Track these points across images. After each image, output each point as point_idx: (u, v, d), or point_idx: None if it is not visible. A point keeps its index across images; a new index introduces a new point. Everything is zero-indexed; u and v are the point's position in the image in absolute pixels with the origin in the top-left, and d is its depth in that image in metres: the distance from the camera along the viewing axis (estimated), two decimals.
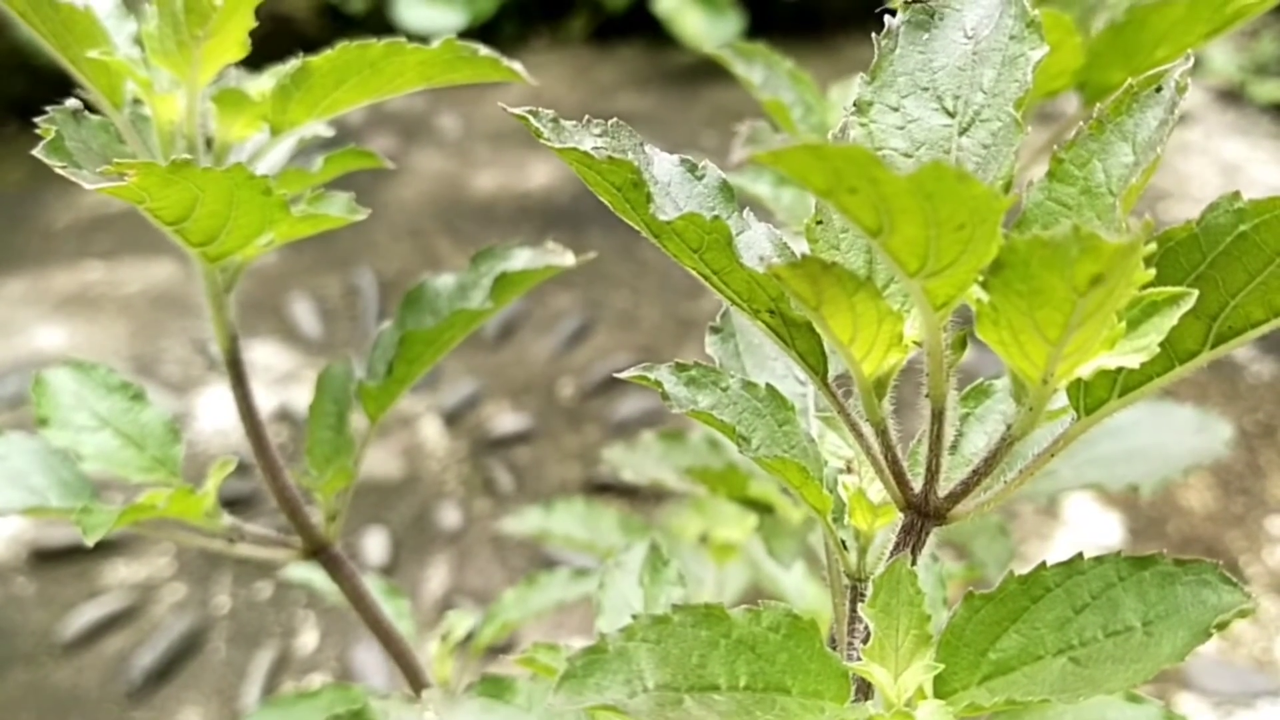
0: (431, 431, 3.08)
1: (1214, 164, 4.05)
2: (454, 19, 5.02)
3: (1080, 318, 0.47)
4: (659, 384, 0.65)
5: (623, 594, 0.89)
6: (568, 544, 1.63)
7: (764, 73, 1.18)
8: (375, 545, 2.70)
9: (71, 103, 0.80)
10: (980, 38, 0.62)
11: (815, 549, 1.20)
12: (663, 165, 0.63)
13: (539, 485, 2.90)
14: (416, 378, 0.98)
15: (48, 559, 2.65)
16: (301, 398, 3.13)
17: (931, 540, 0.82)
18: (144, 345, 3.36)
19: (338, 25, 4.93)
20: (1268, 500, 2.68)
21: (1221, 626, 0.55)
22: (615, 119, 0.62)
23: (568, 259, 0.96)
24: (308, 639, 2.49)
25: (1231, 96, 4.55)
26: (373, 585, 1.09)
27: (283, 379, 3.21)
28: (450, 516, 2.80)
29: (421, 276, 1.02)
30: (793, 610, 0.59)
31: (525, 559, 2.67)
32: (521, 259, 0.98)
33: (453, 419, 3.12)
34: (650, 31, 5.23)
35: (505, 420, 3.11)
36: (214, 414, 3.07)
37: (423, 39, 0.86)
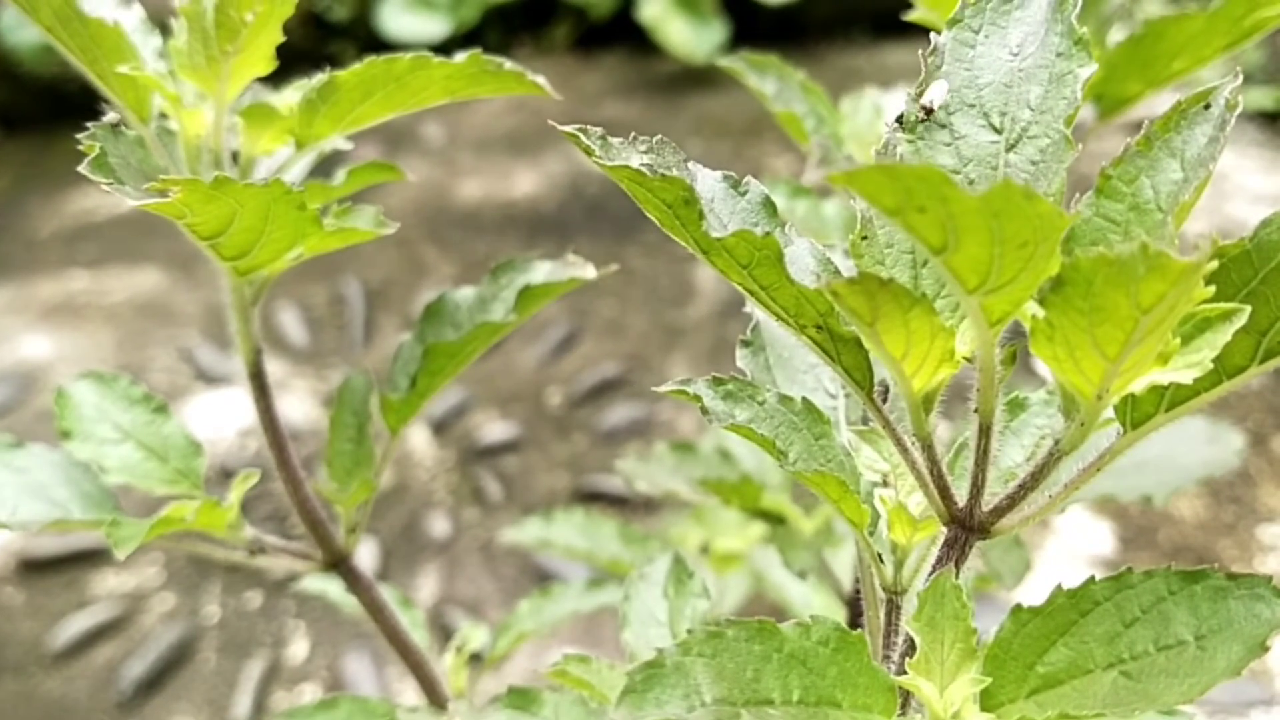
0: (419, 441, 3.08)
1: None
2: (437, 27, 5.01)
3: (1141, 335, 0.48)
4: (698, 398, 0.65)
5: (648, 606, 0.89)
6: (568, 554, 1.63)
7: (776, 84, 1.18)
8: (365, 555, 2.70)
9: (110, 117, 0.80)
10: (1026, 55, 0.63)
11: (826, 561, 1.21)
12: (706, 181, 0.64)
13: (527, 494, 2.90)
14: (438, 390, 0.99)
15: (36, 569, 2.64)
16: (289, 407, 3.12)
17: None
18: (130, 354, 3.35)
19: (322, 34, 4.92)
20: (1258, 509, 2.69)
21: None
22: (660, 136, 0.62)
23: (589, 271, 0.96)
24: (298, 648, 2.49)
25: None
26: (389, 596, 1.09)
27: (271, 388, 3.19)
28: (439, 526, 2.80)
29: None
30: (840, 624, 0.60)
31: (515, 568, 2.67)
32: (543, 271, 0.98)
33: (440, 428, 3.12)
34: (634, 40, 5.23)
35: (493, 429, 3.11)
36: (202, 424, 3.06)
37: (444, 50, 0.86)
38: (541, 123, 4.63)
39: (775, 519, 1.21)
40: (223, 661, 2.46)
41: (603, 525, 1.67)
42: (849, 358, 0.62)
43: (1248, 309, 0.53)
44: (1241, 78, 0.57)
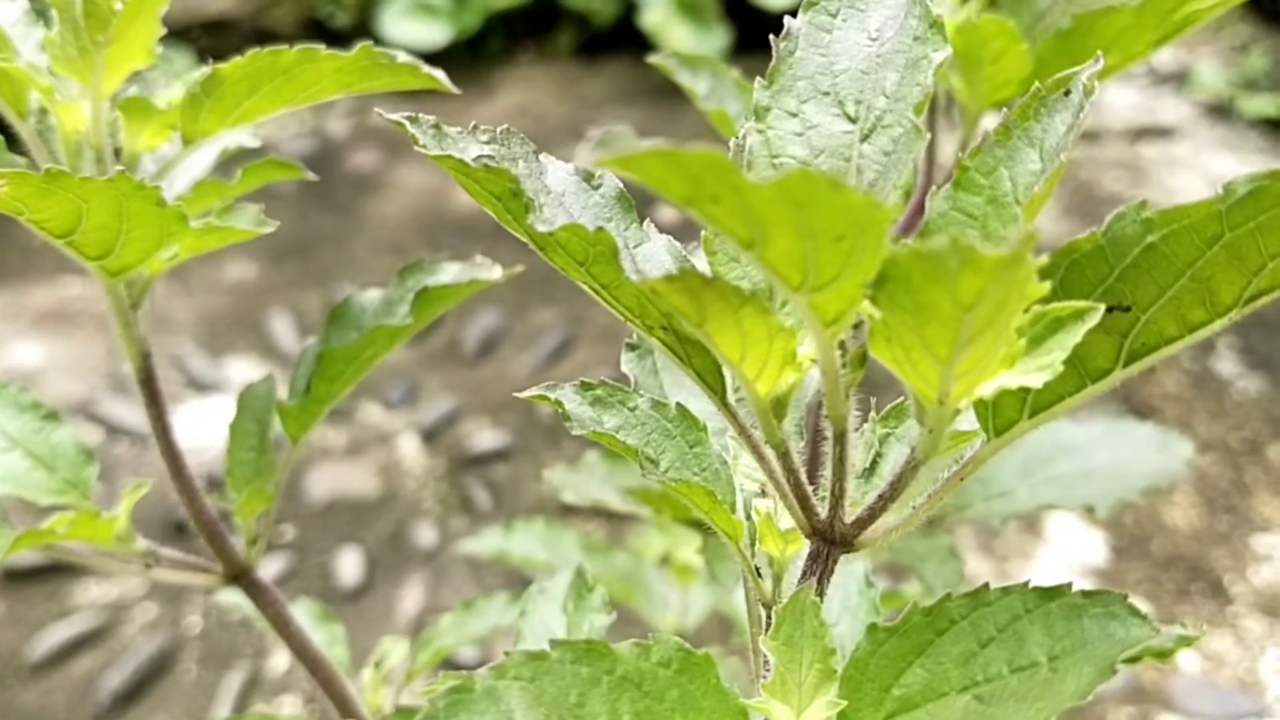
0: (409, 449, 3.05)
1: (1203, 179, 4.02)
2: (439, 33, 4.99)
3: (969, 334, 0.44)
4: (559, 404, 0.62)
5: (545, 622, 0.86)
6: (527, 565, 1.60)
7: (710, 83, 1.15)
8: (349, 564, 2.67)
9: None
10: (884, 40, 0.59)
11: None
12: (557, 174, 0.60)
13: (517, 504, 2.86)
14: (339, 397, 0.95)
15: (17, 578, 2.62)
16: None
17: (863, 566, 0.79)
18: (121, 362, 3.32)
19: (324, 40, 4.89)
20: (1253, 518, 2.65)
21: (1134, 660, 0.51)
22: (506, 126, 0.59)
23: (495, 273, 0.93)
24: (279, 660, 2.46)
25: (1220, 111, 4.52)
26: (302, 611, 1.06)
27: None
28: (426, 535, 2.77)
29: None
30: (685, 645, 0.56)
31: (501, 578, 2.64)
32: (448, 273, 0.95)
33: (431, 436, 3.09)
34: (637, 46, 5.20)
35: (484, 438, 3.08)
36: (190, 431, 3.04)
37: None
38: (543, 129, 4.61)
39: (708, 528, 1.17)
40: (203, 673, 2.43)
41: (564, 535, 1.64)
42: (699, 360, 0.58)
43: (1100, 307, 0.49)
44: (1103, 62, 0.54)
